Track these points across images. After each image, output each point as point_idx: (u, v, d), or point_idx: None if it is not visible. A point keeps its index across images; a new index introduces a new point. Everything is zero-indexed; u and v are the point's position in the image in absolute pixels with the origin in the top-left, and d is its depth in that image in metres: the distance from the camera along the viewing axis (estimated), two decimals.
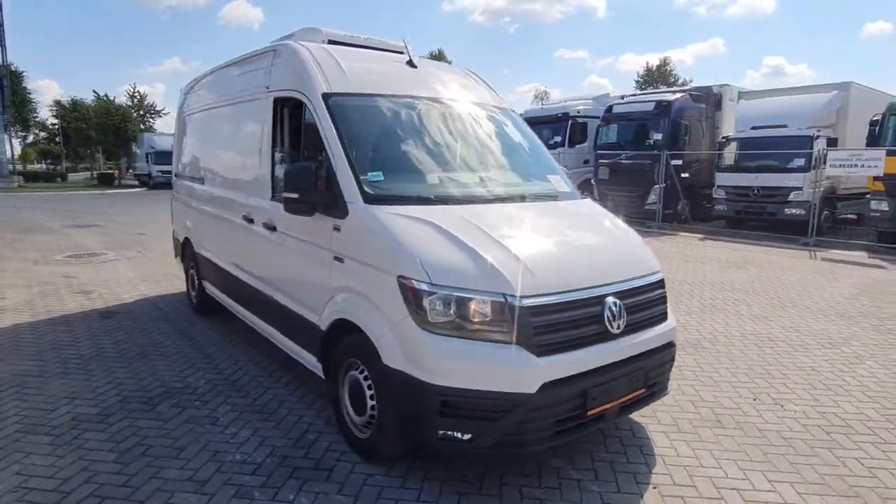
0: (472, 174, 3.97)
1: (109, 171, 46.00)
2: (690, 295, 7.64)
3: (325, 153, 3.65)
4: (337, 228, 3.48)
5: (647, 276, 3.48)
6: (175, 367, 4.81)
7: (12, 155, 42.99)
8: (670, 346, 3.53)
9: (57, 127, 54.09)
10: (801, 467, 3.37)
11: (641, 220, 14.66)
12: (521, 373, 2.81)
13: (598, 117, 17.21)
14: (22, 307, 6.62)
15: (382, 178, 3.52)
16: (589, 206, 4.20)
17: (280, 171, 4.39)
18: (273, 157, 4.41)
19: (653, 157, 15.05)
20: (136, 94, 53.51)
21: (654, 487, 3.16)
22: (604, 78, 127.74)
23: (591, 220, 3.94)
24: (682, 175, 15.05)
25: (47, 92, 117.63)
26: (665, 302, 3.58)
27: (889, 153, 11.29)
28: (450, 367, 2.84)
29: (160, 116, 54.30)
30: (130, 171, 45.20)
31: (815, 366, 5.07)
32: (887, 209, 11.57)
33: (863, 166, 11.66)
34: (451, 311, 2.87)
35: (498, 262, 2.96)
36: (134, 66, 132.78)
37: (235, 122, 5.19)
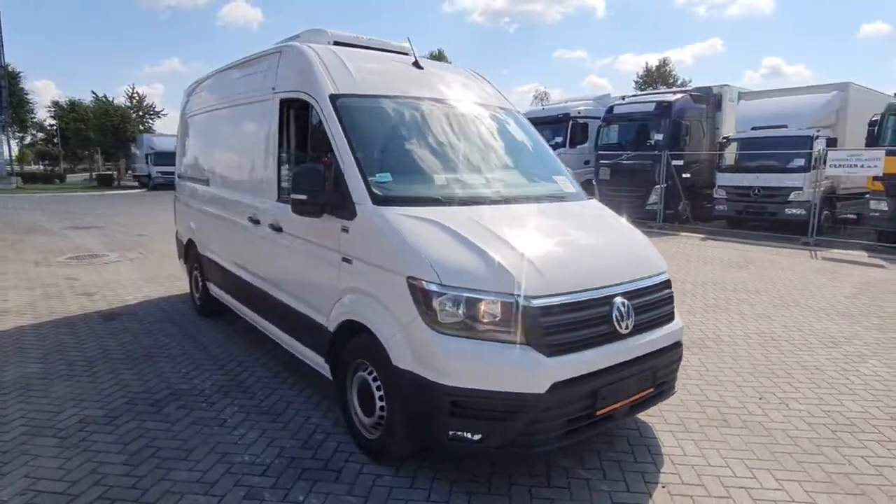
0: (479, 175, 3.98)
1: (108, 173, 45.96)
2: (693, 295, 7.66)
3: (332, 154, 3.65)
4: (345, 230, 3.48)
5: (654, 276, 3.49)
6: (180, 369, 4.81)
7: (10, 156, 42.97)
8: (678, 345, 3.54)
9: (55, 128, 54.02)
10: (807, 466, 3.39)
11: (642, 220, 14.67)
12: (531, 373, 2.82)
13: (598, 118, 17.23)
14: (24, 309, 6.61)
15: (390, 180, 3.53)
16: (595, 206, 4.21)
17: (286, 172, 4.40)
18: (279, 158, 4.41)
19: (654, 157, 15.08)
20: (135, 94, 53.54)
21: (663, 486, 3.17)
22: (603, 78, 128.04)
23: (598, 221, 3.95)
24: (683, 175, 15.07)
25: (44, 93, 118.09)
26: (672, 302, 3.59)
27: (888, 153, 11.33)
28: (460, 368, 2.84)
29: (159, 117, 54.36)
30: (129, 172, 45.13)
31: (819, 365, 5.09)
32: (886, 209, 11.61)
33: (862, 166, 11.70)
34: (461, 312, 2.87)
35: (507, 263, 2.97)
36: (132, 67, 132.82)
37: (241, 124, 5.19)
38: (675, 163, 14.85)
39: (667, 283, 3.58)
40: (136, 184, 39.45)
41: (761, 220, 14.06)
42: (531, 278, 2.94)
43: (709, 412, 4.11)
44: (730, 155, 14.69)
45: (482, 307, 2.87)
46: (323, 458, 3.42)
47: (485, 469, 3.26)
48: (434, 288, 2.90)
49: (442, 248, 3.04)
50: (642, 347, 3.22)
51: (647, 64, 53.88)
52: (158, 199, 24.70)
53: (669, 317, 3.53)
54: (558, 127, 17.66)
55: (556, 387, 2.83)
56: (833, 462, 3.44)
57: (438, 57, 45.37)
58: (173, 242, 7.73)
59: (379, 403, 3.26)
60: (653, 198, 15.38)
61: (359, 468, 3.30)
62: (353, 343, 3.46)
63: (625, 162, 15.80)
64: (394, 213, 3.28)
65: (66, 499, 2.95)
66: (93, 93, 49.08)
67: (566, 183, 4.34)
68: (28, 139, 62.87)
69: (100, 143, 46.73)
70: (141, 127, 48.20)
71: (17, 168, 46.47)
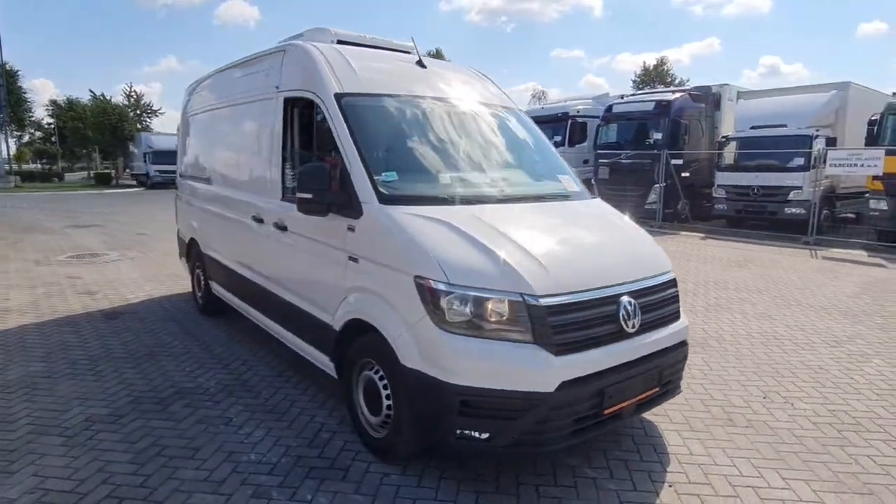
0: (484, 174, 3.98)
1: (106, 171, 45.84)
2: (695, 294, 7.67)
3: (338, 153, 3.65)
4: (351, 228, 3.48)
5: (660, 275, 3.50)
6: (184, 368, 4.81)
7: (9, 155, 42.85)
8: (683, 344, 3.55)
9: (53, 126, 53.87)
10: (814, 465, 3.39)
11: (642, 219, 14.60)
12: (540, 372, 2.82)
13: (597, 117, 17.22)
14: (26, 308, 6.60)
15: (396, 179, 3.53)
16: (600, 205, 4.22)
17: (290, 170, 4.39)
18: (283, 156, 4.41)
19: (653, 156, 15.08)
20: (133, 93, 53.37)
21: (670, 486, 3.17)
22: (600, 77, 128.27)
23: (603, 220, 3.96)
24: (682, 174, 15.08)
25: (42, 91, 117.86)
26: (678, 301, 3.60)
27: (888, 152, 11.35)
28: (468, 367, 2.85)
29: (156, 116, 54.22)
30: (127, 170, 45.00)
31: (823, 364, 5.10)
32: (886, 208, 11.63)
33: (862, 166, 11.72)
34: (469, 311, 2.87)
35: (515, 262, 2.97)
36: (130, 65, 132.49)
37: (244, 122, 5.18)
38: (674, 162, 14.86)
39: (672, 282, 3.59)
40: (134, 182, 39.35)
41: (761, 219, 14.08)
42: (539, 277, 2.94)
43: (713, 411, 4.11)
44: (729, 154, 14.71)
45: (490, 306, 2.87)
46: (329, 456, 3.42)
47: (492, 468, 3.26)
48: (442, 287, 2.90)
49: (449, 248, 3.04)
50: (648, 346, 3.23)
51: (644, 63, 53.91)
52: (157, 197, 24.67)
53: (675, 316, 3.54)
54: (557, 126, 17.63)
55: (564, 385, 2.84)
56: (840, 461, 3.44)
57: (436, 56, 45.24)
58: (173, 241, 7.72)
59: (386, 402, 3.26)
60: (652, 197, 15.38)
61: (365, 467, 3.30)
62: (359, 342, 3.46)
63: (624, 161, 15.79)
64: (400, 213, 3.27)
65: (75, 497, 2.95)
66: (90, 91, 49.16)
67: (570, 182, 4.34)
68: (26, 138, 62.76)
69: (98, 142, 46.61)
70: (139, 125, 48.07)
71: (15, 167, 46.36)
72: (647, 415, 3.88)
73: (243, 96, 5.19)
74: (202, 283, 6.33)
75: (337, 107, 3.75)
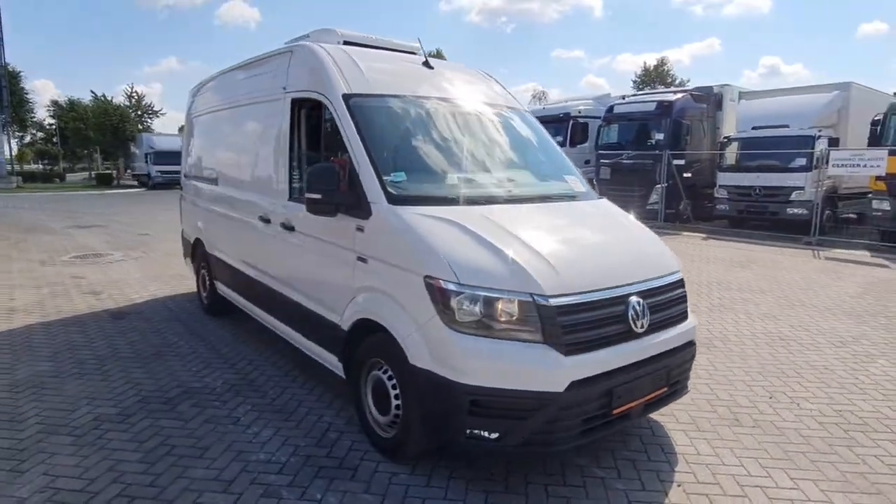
0: (492, 175, 3.99)
1: (107, 172, 45.87)
2: (698, 294, 7.67)
3: (346, 154, 3.66)
4: (360, 229, 3.49)
5: (668, 275, 3.50)
6: (191, 368, 4.82)
7: (10, 155, 42.90)
8: (691, 344, 3.56)
9: (54, 127, 53.93)
10: (821, 465, 3.40)
11: (644, 220, 14.65)
12: (550, 372, 2.83)
13: (599, 117, 17.25)
14: (32, 308, 6.61)
15: (405, 179, 3.54)
16: (607, 206, 4.22)
17: (297, 171, 4.40)
18: (291, 157, 4.42)
19: (654, 156, 15.11)
20: (134, 94, 53.46)
21: (679, 485, 3.18)
22: (601, 78, 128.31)
23: (611, 220, 3.97)
24: (684, 175, 15.10)
25: (43, 92, 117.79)
26: (685, 301, 3.61)
27: (891, 153, 11.37)
28: (478, 367, 2.85)
29: (157, 116, 54.34)
30: (129, 171, 45.05)
31: (828, 364, 5.11)
32: (889, 209, 11.64)
33: (865, 166, 11.73)
34: (479, 311, 2.88)
35: (524, 262, 2.98)
36: (131, 66, 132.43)
37: (251, 123, 5.19)
38: (675, 162, 14.88)
39: (680, 282, 3.60)
40: (136, 183, 39.38)
41: (763, 219, 14.09)
42: (548, 278, 2.95)
43: (720, 411, 4.12)
44: (731, 154, 14.72)
45: (500, 306, 2.88)
46: (338, 456, 3.43)
47: (501, 468, 3.27)
48: (452, 287, 2.91)
49: (459, 248, 3.05)
50: (657, 346, 3.24)
51: (644, 63, 54.04)
52: (158, 198, 24.71)
53: (683, 316, 3.55)
54: (559, 126, 17.63)
55: (574, 385, 2.85)
56: (847, 461, 3.45)
57: (437, 57, 45.31)
58: (176, 242, 7.73)
59: (394, 402, 3.27)
60: (654, 197, 15.41)
61: (374, 466, 3.31)
62: (367, 342, 3.47)
63: (625, 161, 15.82)
64: (410, 213, 3.28)
65: (86, 496, 2.96)
66: (92, 92, 49.17)
67: (577, 182, 4.36)
68: (28, 138, 62.85)
69: (99, 143, 46.70)
70: (140, 126, 48.14)
71: (16, 167, 46.39)
72: (653, 415, 3.89)
73: (250, 97, 5.20)
74: (207, 283, 6.34)
75: (345, 107, 3.76)
